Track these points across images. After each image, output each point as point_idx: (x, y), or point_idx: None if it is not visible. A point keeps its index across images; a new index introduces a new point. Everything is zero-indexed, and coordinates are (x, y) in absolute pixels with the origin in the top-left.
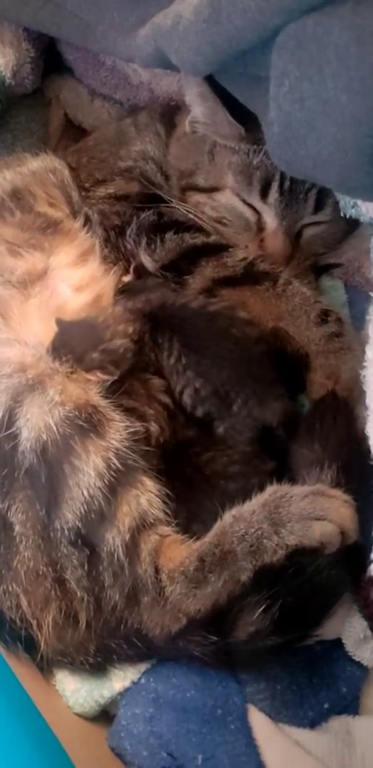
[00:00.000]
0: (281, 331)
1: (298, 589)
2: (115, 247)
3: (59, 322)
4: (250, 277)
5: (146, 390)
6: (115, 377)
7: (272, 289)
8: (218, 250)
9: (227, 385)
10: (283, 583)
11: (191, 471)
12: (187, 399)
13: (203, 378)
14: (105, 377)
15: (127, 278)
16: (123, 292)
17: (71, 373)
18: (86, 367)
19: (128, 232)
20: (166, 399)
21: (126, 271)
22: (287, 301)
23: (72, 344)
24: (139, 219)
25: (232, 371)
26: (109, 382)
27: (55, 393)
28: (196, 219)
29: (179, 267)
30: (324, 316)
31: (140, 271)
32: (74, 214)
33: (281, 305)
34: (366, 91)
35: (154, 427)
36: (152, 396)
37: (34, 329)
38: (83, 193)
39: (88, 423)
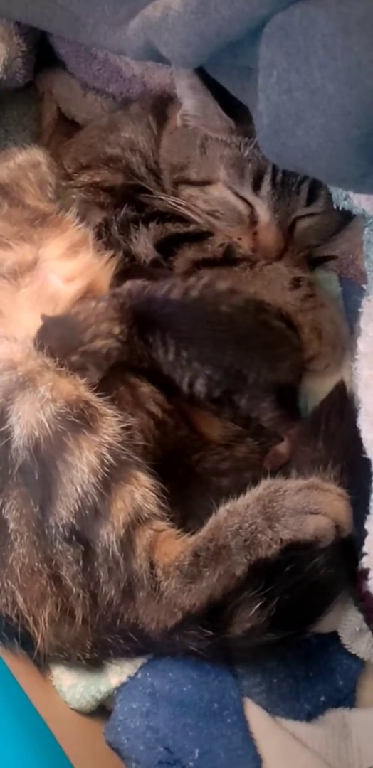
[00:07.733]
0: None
1: (295, 587)
2: (105, 240)
3: (43, 318)
4: (229, 260)
5: (134, 398)
6: (96, 380)
7: (250, 269)
8: (199, 237)
9: (235, 363)
10: (280, 581)
11: (182, 471)
12: (201, 388)
13: (210, 365)
14: (85, 380)
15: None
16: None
17: (62, 368)
18: (69, 368)
19: (114, 226)
20: (154, 408)
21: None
22: (263, 277)
23: (52, 346)
24: (123, 212)
25: (235, 349)
26: (94, 383)
27: (46, 390)
28: (187, 213)
29: (164, 249)
30: (296, 282)
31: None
32: (60, 206)
33: (257, 282)
34: (353, 82)
35: (139, 437)
36: (140, 405)
37: (24, 321)
38: (64, 183)
39: (80, 419)
